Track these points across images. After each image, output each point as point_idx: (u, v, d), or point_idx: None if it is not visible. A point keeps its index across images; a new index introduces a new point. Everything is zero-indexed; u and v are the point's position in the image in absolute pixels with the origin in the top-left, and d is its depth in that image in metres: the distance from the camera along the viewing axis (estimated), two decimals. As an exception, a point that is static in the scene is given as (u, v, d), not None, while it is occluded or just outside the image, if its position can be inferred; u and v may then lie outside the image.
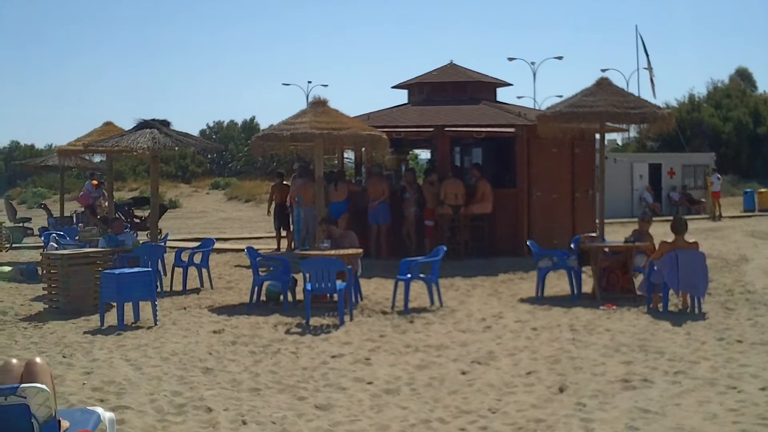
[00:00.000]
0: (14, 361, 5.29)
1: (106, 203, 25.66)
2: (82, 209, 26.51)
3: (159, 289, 13.56)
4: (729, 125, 50.84)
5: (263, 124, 78.45)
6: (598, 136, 16.09)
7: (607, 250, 13.34)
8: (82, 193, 29.35)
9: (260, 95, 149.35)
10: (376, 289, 14.21)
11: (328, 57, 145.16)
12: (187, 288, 14.76)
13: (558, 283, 14.15)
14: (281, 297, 12.72)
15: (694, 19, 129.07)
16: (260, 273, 13.19)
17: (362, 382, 8.13)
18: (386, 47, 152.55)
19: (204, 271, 15.17)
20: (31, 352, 9.39)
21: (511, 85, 23.61)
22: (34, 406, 4.63)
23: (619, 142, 58.29)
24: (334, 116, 15.07)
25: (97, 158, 22.74)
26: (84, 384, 8.12)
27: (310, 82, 78.11)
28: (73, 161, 22.59)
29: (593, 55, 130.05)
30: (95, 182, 23.33)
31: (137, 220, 26.61)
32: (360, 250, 13.07)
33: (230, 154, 74.43)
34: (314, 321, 11.29)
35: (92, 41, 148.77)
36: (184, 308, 12.76)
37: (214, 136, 76.59)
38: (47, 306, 12.77)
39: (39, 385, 4.72)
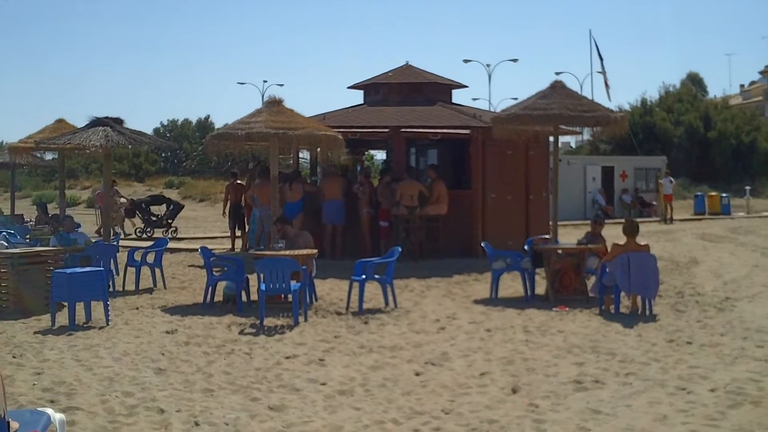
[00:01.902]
0: (-38, 362, 5.20)
1: (122, 199, 25.52)
2: (100, 207, 26.76)
3: (111, 289, 13.44)
4: (680, 129, 51.50)
5: (218, 123, 77.88)
6: (552, 138, 16.20)
7: (560, 251, 13.44)
8: (98, 192, 29.25)
9: (215, 94, 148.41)
10: (330, 289, 14.18)
11: (284, 56, 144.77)
12: (140, 288, 14.63)
13: (512, 285, 14.25)
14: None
15: (646, 24, 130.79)
16: (214, 273, 13.11)
17: (316, 383, 8.12)
18: (342, 47, 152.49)
19: (157, 270, 15.03)
20: (-20, 353, 9.25)
21: (467, 86, 23.70)
22: (-19, 408, 4.54)
23: (573, 145, 58.81)
24: (290, 116, 14.99)
25: (48, 156, 22.44)
26: (34, 385, 8.01)
27: (265, 81, 77.87)
28: (25, 159, 22.25)
29: (548, 58, 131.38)
30: (113, 180, 23.21)
31: (154, 218, 26.72)
32: (315, 251, 13.04)
33: (184, 153, 73.88)
34: (268, 321, 11.25)
35: (44, 38, 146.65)
36: (137, 308, 12.64)
37: (168, 135, 75.91)
38: (-4, 305, 12.57)
39: (-14, 385, 4.62)
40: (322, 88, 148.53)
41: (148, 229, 26.31)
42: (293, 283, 11.46)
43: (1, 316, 11.91)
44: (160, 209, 27.65)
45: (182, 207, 28.57)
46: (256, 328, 10.94)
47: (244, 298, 12.61)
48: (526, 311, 11.95)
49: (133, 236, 25.79)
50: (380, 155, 34.41)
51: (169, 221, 26.59)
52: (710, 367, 8.44)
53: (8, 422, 4.80)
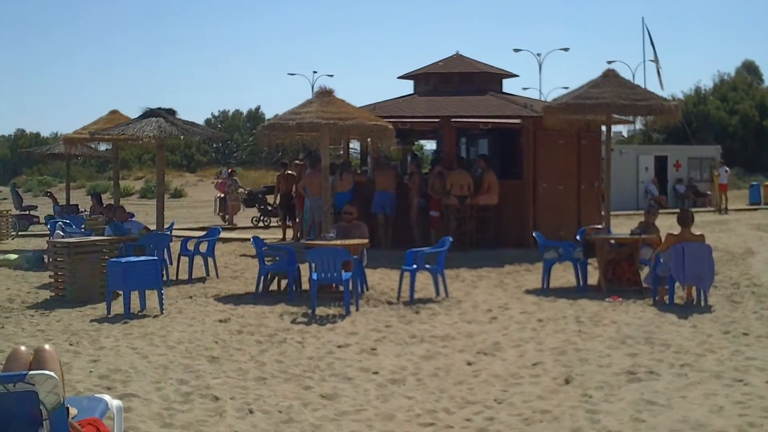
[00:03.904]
0: (23, 348, 5.28)
1: (241, 189, 25.89)
2: (222, 196, 27.04)
3: (165, 278, 13.57)
4: (735, 118, 50.73)
5: (268, 113, 78.48)
6: (604, 128, 16.04)
7: (613, 242, 13.32)
8: (219, 180, 29.66)
9: (266, 85, 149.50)
10: (381, 279, 14.21)
11: (334, 47, 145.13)
12: (193, 277, 14.77)
13: (563, 275, 14.16)
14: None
15: (701, 12, 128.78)
16: (266, 262, 13.20)
17: (368, 372, 8.15)
18: (392, 38, 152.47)
19: (210, 260, 15.18)
20: (38, 340, 9.42)
21: (518, 76, 23.56)
22: (42, 393, 4.61)
23: (625, 134, 58.23)
24: (340, 106, 15.02)
25: (102, 147, 22.71)
26: (91, 372, 8.14)
27: (315, 72, 77.90)
28: (79, 149, 22.58)
29: (599, 47, 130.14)
30: (230, 170, 23.47)
31: (270, 208, 26.95)
32: (366, 240, 13.07)
33: (235, 144, 74.43)
34: (320, 311, 11.30)
35: (99, 32, 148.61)
36: (190, 297, 12.78)
37: (219, 126, 76.59)
38: (53, 294, 12.80)
39: (48, 372, 4.68)
40: (372, 78, 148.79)
41: (264, 219, 26.64)
42: (344, 273, 11.50)
43: (58, 304, 12.14)
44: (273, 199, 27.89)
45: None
46: (307, 317, 11.00)
47: (296, 287, 12.68)
48: (579, 302, 11.86)
49: (250, 225, 26.11)
50: (430, 145, 34.37)
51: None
52: (767, 359, 8.30)
53: (67, 408, 4.88)
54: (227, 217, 27.38)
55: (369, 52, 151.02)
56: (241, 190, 28.03)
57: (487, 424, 6.54)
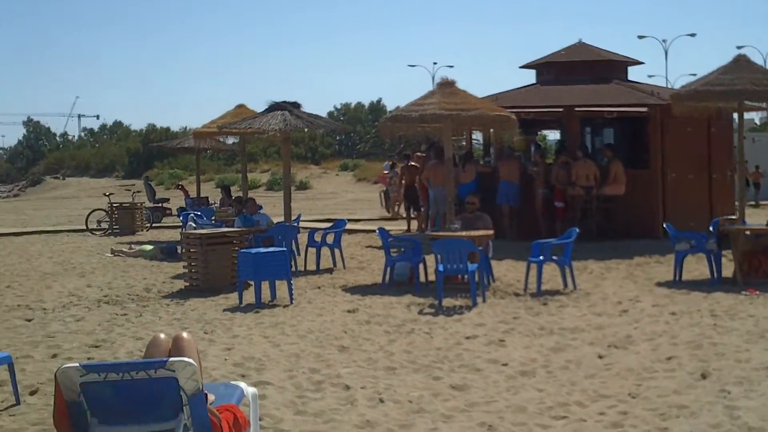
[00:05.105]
0: (162, 335, 5.44)
1: (402, 181, 26.22)
2: (385, 189, 27.44)
3: (293, 269, 13.82)
4: None
5: (390, 105, 78.91)
6: (735, 115, 15.50)
7: (748, 233, 12.88)
8: (385, 172, 30.14)
9: (386, 77, 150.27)
10: (507, 270, 14.12)
11: (454, 38, 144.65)
12: (320, 268, 14.99)
13: (696, 267, 13.75)
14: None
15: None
16: (392, 254, 13.29)
17: (497, 363, 8.11)
18: (513, 27, 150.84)
19: (336, 251, 15.38)
20: (174, 328, 9.71)
21: (643, 63, 23.00)
22: (182, 380, 4.74)
23: (757, 122, 56.15)
24: (463, 97, 14.96)
25: (230, 140, 23.24)
26: (225, 359, 8.36)
27: (435, 63, 77.95)
28: (208, 143, 23.18)
29: (728, 32, 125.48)
30: (392, 163, 23.71)
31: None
32: (491, 232, 13.00)
33: (358, 136, 75.09)
34: (446, 302, 11.31)
35: (224, 29, 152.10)
36: (318, 287, 12.98)
37: (341, 118, 77.41)
38: (187, 284, 13.21)
39: (187, 359, 4.80)
40: (492, 69, 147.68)
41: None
42: (470, 264, 11.47)
43: (192, 294, 12.52)
44: None
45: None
46: (434, 308, 11.02)
47: (421, 278, 12.72)
48: (713, 294, 11.51)
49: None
50: (552, 135, 33.90)
51: None
52: None
53: (206, 394, 5.02)
54: (391, 208, 27.29)
55: (489, 42, 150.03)
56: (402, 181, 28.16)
57: (621, 418, 6.42)
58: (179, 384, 4.74)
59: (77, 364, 4.69)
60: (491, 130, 19.30)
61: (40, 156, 78.61)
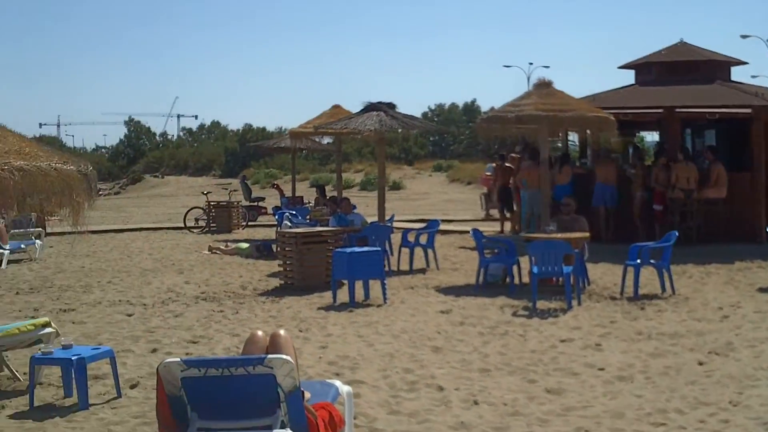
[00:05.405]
0: (260, 333, 5.51)
1: (496, 182, 26.27)
2: (486, 191, 27.48)
3: (387, 269, 13.85)
4: None
5: (484, 106, 78.42)
6: None
7: None
8: (489, 174, 30.30)
9: (481, 78, 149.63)
10: (603, 274, 13.89)
11: (550, 38, 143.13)
12: (414, 268, 15.00)
13: (801, 273, 13.32)
14: (507, 279, 12.71)
15: None
16: (485, 255, 13.21)
17: (594, 367, 7.98)
18: (611, 27, 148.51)
19: (430, 251, 15.36)
20: (270, 326, 9.83)
21: (746, 63, 22.33)
22: (280, 377, 4.78)
23: None
24: (560, 98, 14.79)
25: (325, 140, 23.44)
26: (320, 358, 8.44)
27: (531, 63, 77.20)
28: (304, 143, 23.40)
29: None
30: (495, 165, 23.68)
31: None
32: (587, 234, 12.81)
33: (452, 137, 74.88)
34: (541, 304, 11.19)
35: (321, 27, 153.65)
36: (412, 288, 12.98)
37: (435, 119, 77.29)
38: (282, 282, 13.36)
39: (284, 356, 4.85)
40: (589, 69, 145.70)
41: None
42: (565, 267, 11.32)
43: (287, 292, 12.67)
44: None
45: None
46: (528, 310, 10.92)
47: (515, 280, 12.62)
48: (819, 301, 11.13)
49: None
50: (651, 137, 33.25)
51: None
52: None
53: (302, 391, 5.06)
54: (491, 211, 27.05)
55: (586, 42, 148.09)
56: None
57: (722, 426, 6.25)
58: (277, 381, 4.79)
59: (179, 359, 4.79)
60: (587, 131, 19.03)
61: (140, 155, 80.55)
